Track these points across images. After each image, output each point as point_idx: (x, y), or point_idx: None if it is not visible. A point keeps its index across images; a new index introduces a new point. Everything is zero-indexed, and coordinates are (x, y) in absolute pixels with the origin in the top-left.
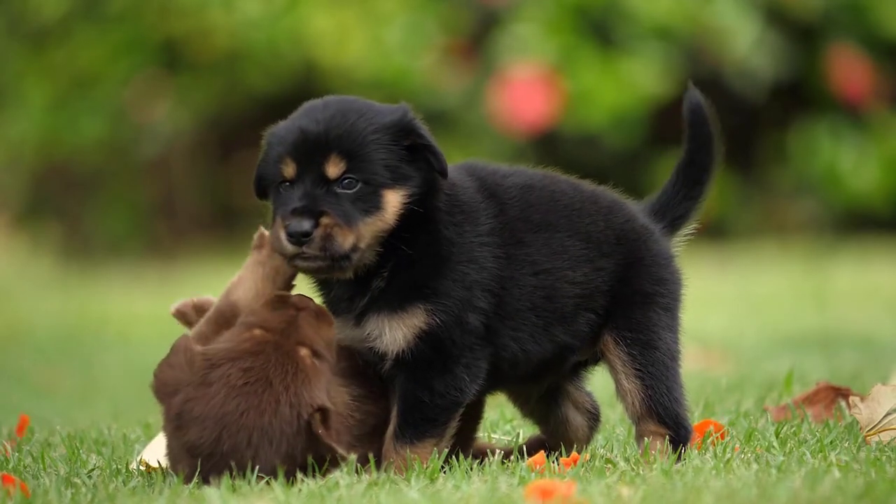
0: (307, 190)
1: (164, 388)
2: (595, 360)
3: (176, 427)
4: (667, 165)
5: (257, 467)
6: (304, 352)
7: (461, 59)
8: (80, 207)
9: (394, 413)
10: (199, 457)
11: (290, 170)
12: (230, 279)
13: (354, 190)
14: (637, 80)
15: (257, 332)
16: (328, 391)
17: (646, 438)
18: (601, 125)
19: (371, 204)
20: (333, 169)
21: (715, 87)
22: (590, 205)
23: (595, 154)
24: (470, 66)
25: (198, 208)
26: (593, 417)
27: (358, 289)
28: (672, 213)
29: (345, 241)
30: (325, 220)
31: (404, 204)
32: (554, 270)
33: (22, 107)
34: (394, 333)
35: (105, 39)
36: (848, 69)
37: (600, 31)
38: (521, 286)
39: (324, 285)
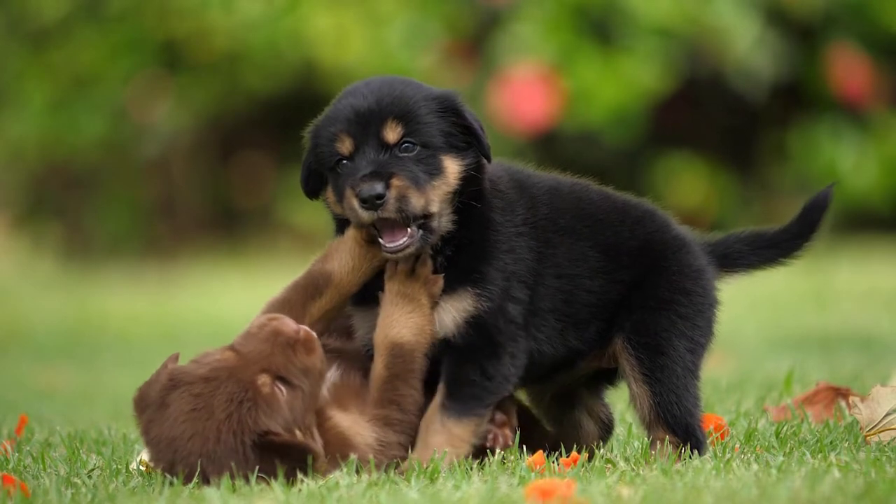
0: (371, 157)
1: (139, 404)
2: (616, 374)
3: (144, 443)
4: (666, 164)
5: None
6: (263, 379)
7: (461, 59)
8: (80, 207)
9: (440, 389)
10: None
11: (346, 145)
12: (231, 279)
13: (415, 153)
14: (637, 79)
15: (228, 354)
16: (297, 416)
17: (658, 444)
18: (601, 124)
19: (433, 167)
20: (392, 133)
21: (715, 87)
22: (616, 215)
23: (595, 152)
24: (470, 65)
25: (198, 208)
26: (606, 427)
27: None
28: (734, 254)
29: (418, 201)
30: (395, 182)
31: (461, 173)
32: (574, 277)
33: (22, 107)
34: (441, 316)
35: (105, 39)
36: (848, 69)
37: (600, 31)
38: (547, 286)
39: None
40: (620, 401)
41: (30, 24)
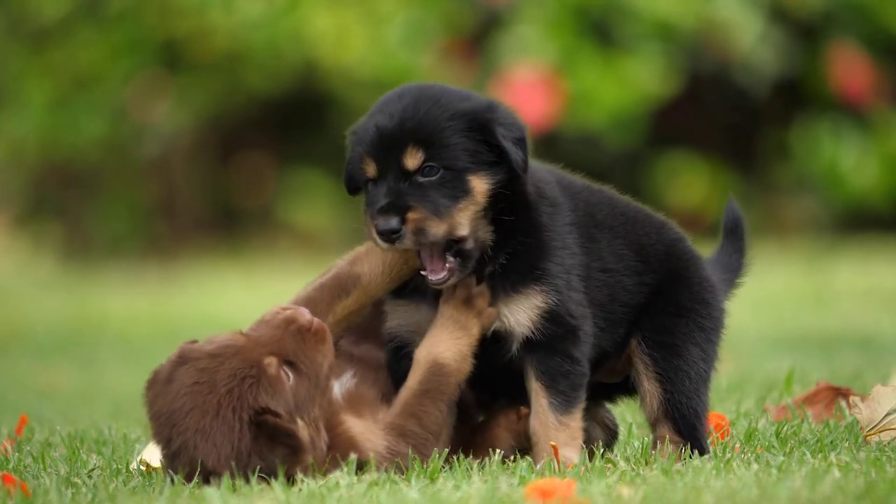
0: (390, 186)
1: (149, 382)
2: (625, 389)
3: (148, 419)
4: (667, 163)
5: (211, 467)
6: (269, 360)
7: (462, 59)
8: (80, 207)
9: (537, 391)
10: (162, 454)
11: (371, 169)
12: (231, 279)
13: (437, 176)
14: (638, 80)
15: (238, 336)
16: (301, 404)
17: (660, 444)
18: (602, 125)
19: (458, 189)
20: (412, 161)
21: (719, 83)
22: (643, 217)
23: (596, 154)
24: (470, 66)
25: (198, 208)
26: (611, 433)
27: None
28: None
29: (438, 230)
30: (411, 215)
31: (492, 189)
32: (615, 272)
33: (22, 107)
34: (517, 317)
35: (105, 39)
36: (849, 68)
37: (601, 31)
38: (594, 279)
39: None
40: (620, 401)
41: (30, 24)
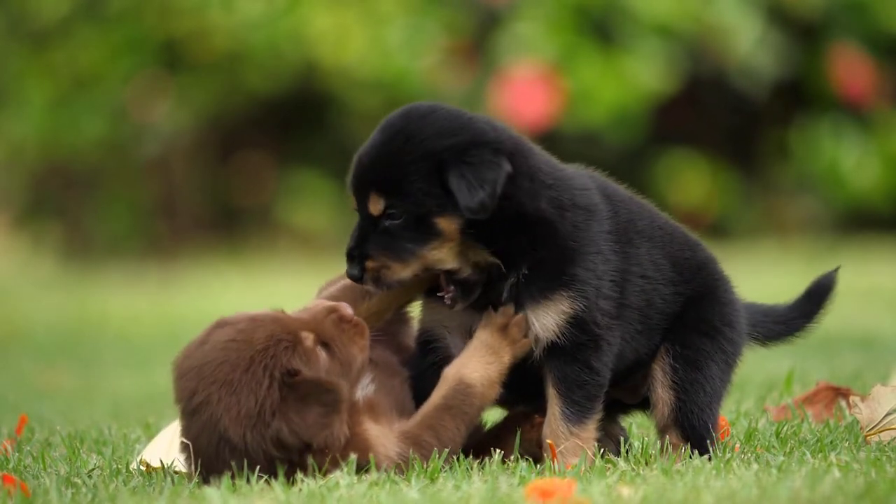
0: (360, 227)
1: (183, 349)
2: (641, 404)
3: (173, 381)
4: (668, 162)
5: (227, 426)
6: (307, 335)
7: (462, 59)
8: (80, 207)
9: (552, 398)
10: (182, 414)
11: (352, 202)
12: (231, 279)
13: (401, 220)
14: (638, 78)
15: (280, 312)
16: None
17: (668, 451)
18: (602, 123)
19: (425, 232)
20: (375, 207)
21: (717, 86)
22: (680, 234)
23: (596, 152)
24: (471, 65)
25: (198, 208)
26: (619, 444)
27: (492, 288)
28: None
29: (400, 274)
30: (369, 264)
31: (463, 227)
32: (654, 280)
33: (22, 107)
34: (543, 322)
35: (105, 39)
36: (849, 68)
37: (601, 30)
38: (633, 283)
39: (460, 285)
40: (651, 411)
41: (30, 24)
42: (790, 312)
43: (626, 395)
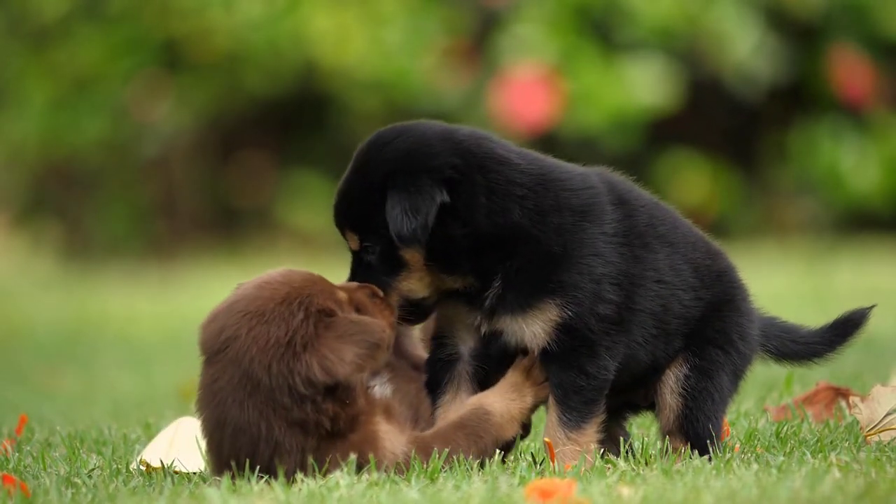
0: (351, 264)
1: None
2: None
3: (199, 330)
4: (668, 162)
5: (253, 357)
6: (342, 294)
7: (462, 60)
8: (80, 207)
9: (551, 404)
10: (205, 362)
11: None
12: (230, 279)
13: (377, 254)
14: (638, 88)
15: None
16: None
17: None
18: (601, 126)
19: (394, 264)
20: (352, 243)
21: (714, 90)
22: (702, 241)
23: (594, 155)
24: (470, 66)
25: (198, 208)
26: (620, 444)
27: (475, 299)
28: (769, 335)
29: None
30: None
31: (425, 257)
32: (671, 285)
33: (22, 107)
34: (532, 329)
35: (105, 39)
36: (848, 70)
37: (601, 32)
38: (647, 288)
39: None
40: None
41: (30, 23)
42: (812, 337)
43: (640, 397)
